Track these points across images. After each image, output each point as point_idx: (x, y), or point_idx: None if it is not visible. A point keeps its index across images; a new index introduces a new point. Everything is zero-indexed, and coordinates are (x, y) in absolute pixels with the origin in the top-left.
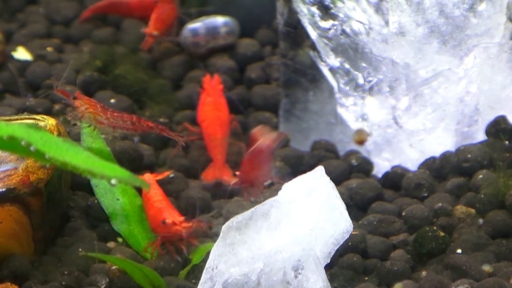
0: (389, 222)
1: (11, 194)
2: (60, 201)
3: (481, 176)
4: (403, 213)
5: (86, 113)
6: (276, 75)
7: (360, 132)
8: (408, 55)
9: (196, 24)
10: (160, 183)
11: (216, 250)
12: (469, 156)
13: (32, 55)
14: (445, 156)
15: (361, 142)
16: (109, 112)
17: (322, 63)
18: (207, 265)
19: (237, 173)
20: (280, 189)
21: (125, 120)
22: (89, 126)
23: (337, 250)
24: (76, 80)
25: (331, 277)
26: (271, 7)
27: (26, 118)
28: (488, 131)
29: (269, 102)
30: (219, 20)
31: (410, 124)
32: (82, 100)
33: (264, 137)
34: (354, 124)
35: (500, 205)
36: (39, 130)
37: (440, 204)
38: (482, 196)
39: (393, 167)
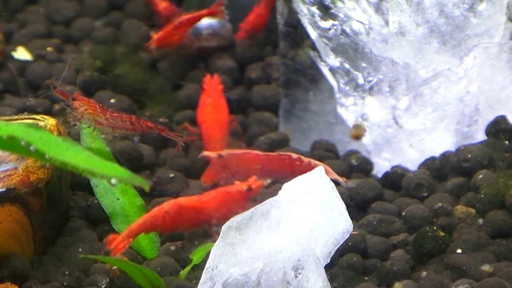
0: (389, 222)
1: (11, 194)
2: (60, 201)
3: (481, 176)
4: (403, 213)
5: (85, 114)
6: (276, 75)
7: (357, 127)
8: (408, 55)
9: None
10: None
11: (216, 250)
12: (469, 156)
13: (32, 55)
14: (445, 156)
15: (358, 137)
16: (109, 113)
17: (322, 63)
18: (207, 265)
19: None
20: (280, 189)
21: (124, 120)
22: (89, 127)
23: (337, 250)
24: (76, 80)
25: (331, 277)
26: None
27: (26, 118)
28: (488, 131)
29: (269, 102)
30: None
31: (410, 124)
32: (81, 101)
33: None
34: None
35: (500, 205)
36: (39, 130)
37: (440, 204)
38: (482, 196)
39: (393, 167)
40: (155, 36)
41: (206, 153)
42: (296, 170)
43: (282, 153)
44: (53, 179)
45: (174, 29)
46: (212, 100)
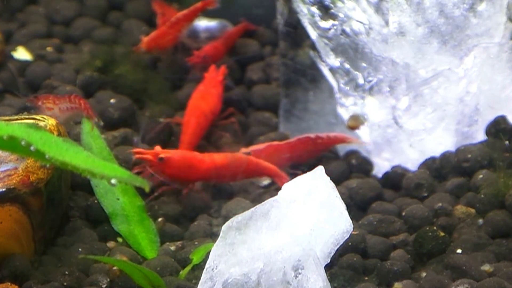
0: (389, 222)
1: (11, 194)
2: (60, 201)
3: (481, 176)
4: (403, 213)
5: (44, 108)
6: (276, 75)
7: (355, 117)
8: (408, 55)
9: None
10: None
11: (216, 250)
12: (469, 156)
13: (32, 55)
14: (445, 156)
15: (354, 128)
16: (56, 99)
17: (322, 63)
18: (207, 265)
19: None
20: (280, 189)
21: (67, 100)
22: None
23: (337, 250)
24: (76, 80)
25: (331, 277)
26: (271, 7)
27: (26, 118)
28: (488, 131)
29: (269, 102)
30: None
31: (410, 124)
32: (41, 99)
33: None
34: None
35: (500, 205)
36: (39, 130)
37: (440, 204)
38: (482, 196)
39: (393, 167)
40: (145, 38)
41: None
42: (320, 147)
43: (299, 136)
44: (53, 179)
45: (169, 28)
46: (203, 88)
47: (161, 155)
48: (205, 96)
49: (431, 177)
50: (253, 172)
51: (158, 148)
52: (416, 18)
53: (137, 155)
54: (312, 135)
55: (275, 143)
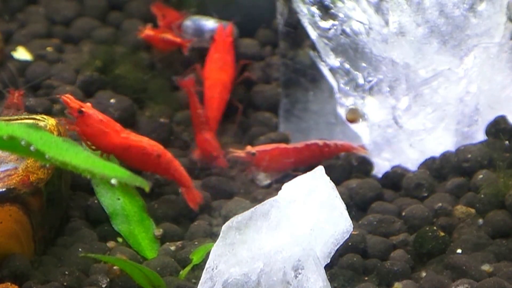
0: (389, 222)
1: (11, 194)
2: (60, 201)
3: (481, 176)
4: (403, 213)
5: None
6: (276, 75)
7: (353, 111)
8: (408, 55)
9: (188, 22)
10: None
11: (216, 250)
12: (469, 156)
13: (32, 55)
14: (445, 156)
15: (353, 121)
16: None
17: (322, 63)
18: (207, 265)
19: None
20: (280, 189)
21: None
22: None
23: (337, 250)
24: (76, 80)
25: (331, 277)
26: (271, 7)
27: (26, 118)
28: (488, 131)
29: (269, 102)
30: (209, 24)
31: (410, 124)
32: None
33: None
34: (356, 127)
35: (500, 205)
36: (39, 130)
37: (440, 204)
38: (482, 196)
39: (393, 167)
40: (148, 31)
41: (235, 154)
42: (326, 155)
43: (307, 142)
44: (53, 179)
45: (159, 39)
46: (219, 55)
47: (83, 109)
48: (222, 65)
49: (431, 177)
50: (162, 169)
51: (88, 104)
52: (416, 18)
53: (64, 99)
54: (320, 143)
55: (282, 146)
